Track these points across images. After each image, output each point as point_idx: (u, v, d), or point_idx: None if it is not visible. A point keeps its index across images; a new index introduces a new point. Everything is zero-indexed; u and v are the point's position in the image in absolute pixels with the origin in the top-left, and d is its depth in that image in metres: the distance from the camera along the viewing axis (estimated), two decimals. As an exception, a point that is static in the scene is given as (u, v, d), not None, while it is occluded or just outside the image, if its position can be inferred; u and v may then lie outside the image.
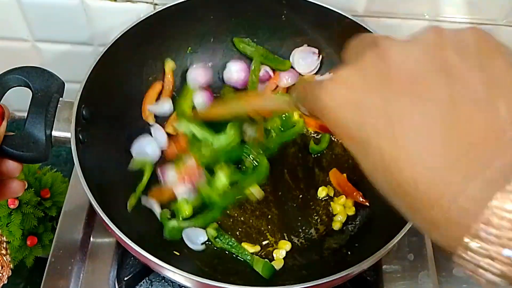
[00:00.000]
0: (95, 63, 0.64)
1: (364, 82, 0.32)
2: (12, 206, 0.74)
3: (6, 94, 0.57)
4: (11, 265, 0.53)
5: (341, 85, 0.33)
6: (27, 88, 0.58)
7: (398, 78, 0.30)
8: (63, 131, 0.58)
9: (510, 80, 0.29)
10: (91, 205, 0.71)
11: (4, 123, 0.52)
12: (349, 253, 0.65)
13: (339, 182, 0.72)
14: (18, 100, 0.65)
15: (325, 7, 0.72)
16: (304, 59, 0.79)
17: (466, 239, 0.27)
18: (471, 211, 0.26)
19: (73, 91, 0.61)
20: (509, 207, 0.25)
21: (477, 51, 0.30)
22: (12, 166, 0.54)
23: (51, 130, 0.57)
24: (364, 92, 0.32)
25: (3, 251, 0.52)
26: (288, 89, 0.79)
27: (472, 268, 0.27)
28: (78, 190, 0.73)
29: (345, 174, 0.73)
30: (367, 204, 0.70)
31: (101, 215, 0.55)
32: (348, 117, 0.32)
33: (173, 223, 0.67)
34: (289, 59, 0.80)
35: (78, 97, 0.60)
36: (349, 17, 0.71)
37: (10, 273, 0.53)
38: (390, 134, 0.30)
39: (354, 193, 0.71)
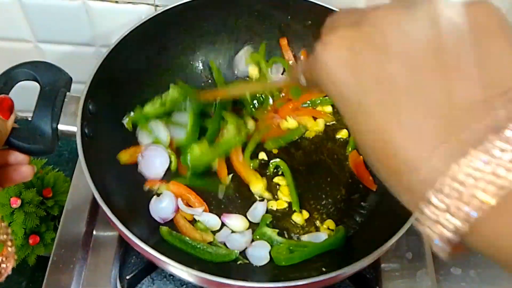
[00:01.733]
0: (102, 59, 0.65)
1: (363, 53, 0.32)
2: (14, 205, 0.74)
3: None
4: (16, 256, 0.54)
5: (342, 44, 0.33)
6: (30, 87, 0.59)
7: (395, 59, 0.31)
8: (69, 125, 0.59)
9: (506, 62, 0.30)
10: (93, 204, 0.72)
11: (13, 116, 0.53)
12: (348, 251, 0.66)
13: (356, 164, 0.74)
14: (20, 99, 0.66)
15: (330, 9, 0.73)
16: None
17: (430, 194, 0.28)
18: (440, 168, 0.28)
19: (74, 91, 0.62)
20: (476, 165, 0.26)
21: (474, 32, 0.30)
22: (20, 156, 0.55)
23: (58, 124, 0.58)
24: (364, 61, 0.32)
25: (9, 243, 0.53)
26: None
27: (429, 224, 0.29)
28: (80, 189, 0.74)
29: (361, 157, 0.74)
30: (374, 190, 0.72)
31: (105, 209, 0.55)
32: (344, 78, 0.33)
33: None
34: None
35: (85, 92, 0.61)
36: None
37: (14, 265, 0.53)
38: (382, 107, 0.31)
39: (366, 176, 0.73)
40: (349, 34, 0.33)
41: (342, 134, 0.78)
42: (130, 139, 0.73)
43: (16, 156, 0.55)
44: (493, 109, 0.28)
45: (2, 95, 0.54)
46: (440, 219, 0.28)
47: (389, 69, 0.31)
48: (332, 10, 0.73)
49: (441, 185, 0.28)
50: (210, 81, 0.82)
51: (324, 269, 0.55)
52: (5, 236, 0.56)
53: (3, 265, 0.55)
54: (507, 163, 0.26)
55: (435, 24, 0.31)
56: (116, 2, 0.78)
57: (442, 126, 0.29)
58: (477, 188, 0.26)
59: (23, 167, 0.55)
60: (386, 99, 0.31)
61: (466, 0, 0.31)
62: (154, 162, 0.70)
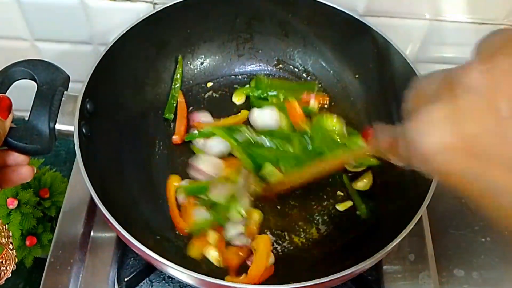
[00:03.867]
0: (100, 58, 0.64)
1: (474, 130, 0.29)
2: (11, 206, 0.74)
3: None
4: (16, 259, 0.53)
5: (443, 126, 0.29)
6: (27, 86, 0.58)
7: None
8: (67, 124, 0.58)
9: None
10: (90, 205, 0.71)
11: (11, 116, 0.52)
12: (350, 253, 0.65)
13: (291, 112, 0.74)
14: (17, 98, 0.65)
15: (330, 6, 0.72)
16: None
17: None
18: None
19: (72, 90, 0.61)
20: None
21: None
22: (19, 157, 0.54)
23: (55, 123, 0.57)
24: (479, 142, 0.29)
25: (10, 246, 0.52)
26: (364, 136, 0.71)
27: None
28: (77, 190, 0.73)
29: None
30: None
31: (103, 210, 0.55)
32: (462, 164, 0.29)
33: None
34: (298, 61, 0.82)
35: (83, 91, 0.60)
36: (355, 16, 0.71)
37: (14, 267, 0.53)
38: None
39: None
40: (450, 112, 0.29)
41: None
42: (129, 139, 0.73)
43: (16, 157, 0.54)
44: None
45: (1, 95, 0.53)
46: None
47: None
48: (332, 8, 0.72)
49: None
50: (209, 80, 0.82)
51: (325, 271, 0.54)
52: (6, 239, 0.56)
53: (3, 268, 0.54)
54: None
55: None
56: (114, 0, 0.77)
57: None
58: None
59: (23, 168, 0.54)
60: None
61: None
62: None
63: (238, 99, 0.80)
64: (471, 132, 0.29)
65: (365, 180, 0.72)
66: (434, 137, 0.30)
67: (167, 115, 0.77)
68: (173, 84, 0.79)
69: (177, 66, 0.79)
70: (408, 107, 0.34)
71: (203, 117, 0.77)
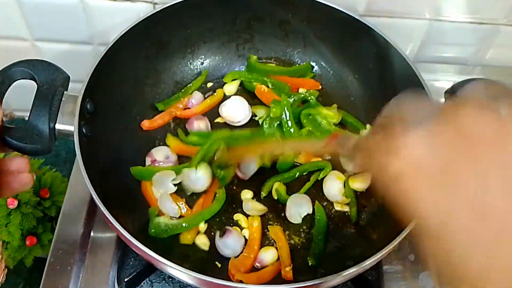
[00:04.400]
0: (100, 58, 0.64)
1: (458, 168, 0.27)
2: (11, 206, 0.74)
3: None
4: (6, 270, 0.53)
5: (428, 152, 0.28)
6: (27, 86, 0.58)
7: (496, 187, 0.27)
8: (67, 124, 0.58)
9: None
10: (90, 205, 0.71)
11: (0, 111, 0.51)
12: (350, 253, 0.65)
13: None
14: (17, 98, 0.65)
15: (330, 6, 0.72)
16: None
17: None
18: None
19: (72, 90, 0.61)
20: None
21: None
22: (21, 163, 0.53)
23: (55, 123, 0.57)
24: (457, 181, 0.27)
25: None
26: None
27: None
28: (77, 190, 0.73)
29: None
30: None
31: (103, 210, 0.55)
32: (428, 196, 0.27)
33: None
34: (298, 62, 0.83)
35: (83, 91, 0.60)
36: (355, 16, 0.71)
37: (4, 278, 0.52)
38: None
39: None
40: (431, 136, 0.28)
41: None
42: (129, 139, 0.73)
43: (17, 162, 0.53)
44: None
45: None
46: None
47: (490, 199, 0.26)
48: (332, 8, 0.72)
49: None
50: (209, 80, 0.82)
51: (326, 271, 0.54)
52: None
53: (-7, 277, 0.54)
54: None
55: None
56: (114, 0, 0.77)
57: None
58: None
59: (23, 175, 0.53)
60: (484, 233, 0.26)
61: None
62: (229, 243, 0.67)
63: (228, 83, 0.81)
64: (446, 157, 0.27)
65: (362, 181, 0.72)
66: (407, 155, 0.29)
67: (158, 104, 0.77)
68: (185, 88, 0.79)
69: (200, 77, 0.80)
70: (384, 122, 0.32)
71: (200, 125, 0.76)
